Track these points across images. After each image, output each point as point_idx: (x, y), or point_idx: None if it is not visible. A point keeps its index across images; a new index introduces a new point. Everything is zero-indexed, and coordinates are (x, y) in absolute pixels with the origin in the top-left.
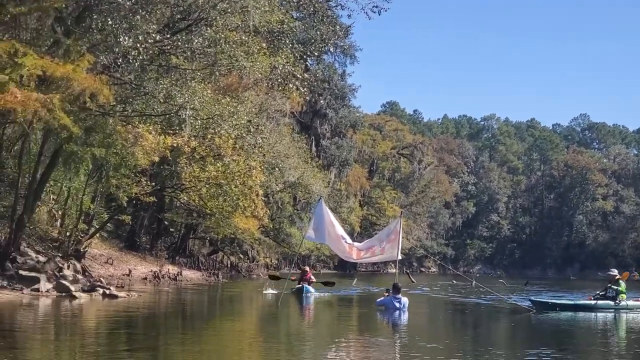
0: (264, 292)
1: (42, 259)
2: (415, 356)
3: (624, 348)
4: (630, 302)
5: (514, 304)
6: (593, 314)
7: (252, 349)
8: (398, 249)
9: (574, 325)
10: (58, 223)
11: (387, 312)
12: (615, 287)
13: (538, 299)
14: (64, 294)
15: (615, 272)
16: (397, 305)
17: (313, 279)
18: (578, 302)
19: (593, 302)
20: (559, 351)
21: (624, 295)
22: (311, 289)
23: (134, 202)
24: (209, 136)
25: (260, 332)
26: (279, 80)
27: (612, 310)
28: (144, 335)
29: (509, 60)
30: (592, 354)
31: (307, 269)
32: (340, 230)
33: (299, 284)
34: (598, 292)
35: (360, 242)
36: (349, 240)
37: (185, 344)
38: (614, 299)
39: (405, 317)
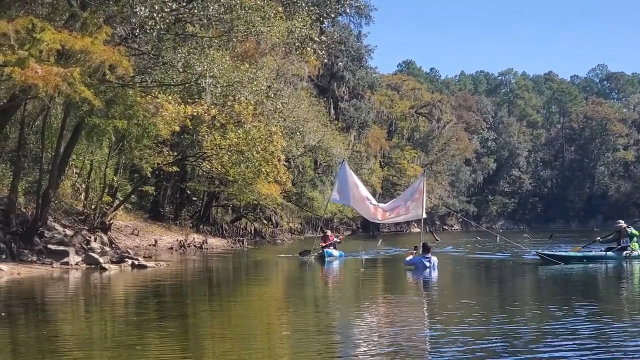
0: (302, 258)
1: (69, 232)
2: (450, 313)
3: None
4: None
5: (544, 256)
6: (604, 264)
7: (280, 313)
8: (423, 207)
9: (593, 275)
10: (82, 196)
11: (417, 271)
12: (628, 238)
13: (545, 252)
14: (93, 266)
15: (622, 222)
16: (427, 264)
17: (336, 239)
18: (587, 254)
19: (603, 252)
20: (594, 301)
21: (636, 244)
22: (334, 252)
23: (157, 172)
24: (229, 103)
25: (288, 297)
26: (297, 44)
27: (625, 260)
28: (174, 303)
29: (525, 13)
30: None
31: (329, 232)
32: (364, 191)
33: (321, 248)
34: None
35: (383, 203)
36: (373, 201)
37: (215, 310)
38: (624, 249)
39: (435, 275)
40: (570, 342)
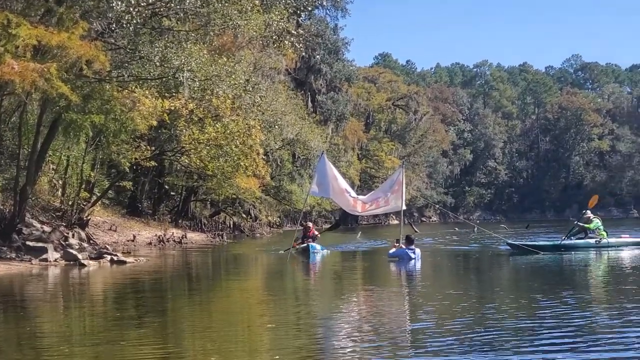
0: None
1: (47, 229)
2: (434, 304)
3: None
4: (612, 240)
5: (515, 245)
6: (575, 253)
7: (260, 307)
8: (402, 199)
9: (562, 265)
10: (59, 192)
11: (402, 263)
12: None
13: (516, 243)
14: (71, 262)
15: (589, 213)
16: (413, 255)
17: (317, 233)
18: (556, 243)
19: (573, 241)
20: (570, 288)
21: (604, 233)
22: (317, 246)
23: (134, 167)
24: (207, 97)
25: (268, 290)
26: (274, 38)
27: (594, 249)
28: (155, 299)
29: (499, 5)
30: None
31: (310, 225)
32: (343, 183)
33: (302, 242)
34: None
35: (362, 195)
36: (353, 193)
37: (195, 304)
38: (587, 236)
39: (419, 266)
40: (555, 331)
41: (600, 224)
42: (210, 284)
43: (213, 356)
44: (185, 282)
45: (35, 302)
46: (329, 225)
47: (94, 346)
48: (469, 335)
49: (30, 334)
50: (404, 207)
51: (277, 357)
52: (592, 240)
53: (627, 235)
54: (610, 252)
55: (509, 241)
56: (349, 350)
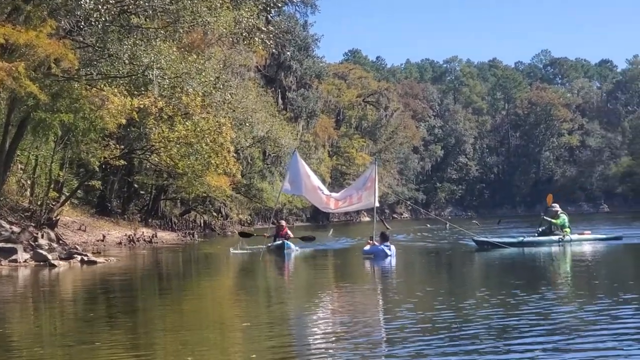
0: (233, 251)
1: (16, 229)
2: (409, 300)
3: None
4: (574, 236)
5: (496, 244)
6: (538, 249)
7: (234, 306)
8: (375, 196)
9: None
10: (28, 192)
11: (377, 260)
12: (553, 220)
13: (481, 239)
14: (42, 263)
15: (557, 207)
16: (389, 252)
17: (290, 234)
18: (522, 239)
19: (536, 238)
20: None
21: (568, 229)
22: (291, 244)
23: (103, 166)
24: (176, 95)
25: (241, 289)
26: (244, 35)
27: (557, 244)
28: (127, 299)
29: (468, 0)
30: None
31: (283, 223)
32: (316, 181)
33: (275, 240)
34: (538, 229)
35: (335, 193)
36: (326, 191)
37: (167, 304)
38: (552, 232)
39: (394, 263)
40: (533, 327)
41: (566, 220)
42: (182, 284)
43: (187, 357)
44: (157, 281)
45: (6, 303)
46: (305, 236)
47: (65, 347)
48: (444, 332)
49: (1, 335)
50: (377, 204)
51: (253, 356)
52: (556, 237)
53: (589, 232)
54: (573, 246)
55: (475, 238)
56: (324, 347)
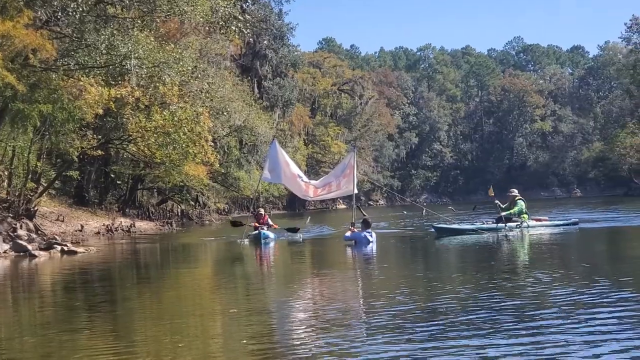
0: (242, 240)
1: None
2: (391, 287)
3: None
4: (532, 222)
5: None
6: (497, 234)
7: (214, 294)
8: (354, 183)
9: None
10: (5, 183)
11: (359, 246)
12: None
13: (441, 225)
14: (21, 253)
15: (515, 192)
16: (371, 238)
17: (271, 222)
18: (482, 226)
19: (494, 225)
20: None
21: (525, 216)
22: (270, 234)
23: (80, 157)
24: (153, 85)
25: (223, 277)
26: (221, 23)
27: (514, 231)
28: (108, 289)
29: None
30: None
31: (262, 211)
32: (295, 169)
33: (255, 229)
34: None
35: (315, 180)
36: (305, 178)
37: (149, 294)
38: (509, 219)
39: (375, 249)
40: (510, 309)
41: (524, 206)
42: (163, 273)
43: (169, 345)
44: (137, 271)
45: None
46: (289, 227)
47: (48, 336)
48: (425, 317)
49: None
50: (356, 191)
51: (243, 341)
52: (513, 224)
53: (546, 218)
54: (530, 232)
55: (435, 225)
56: (308, 334)
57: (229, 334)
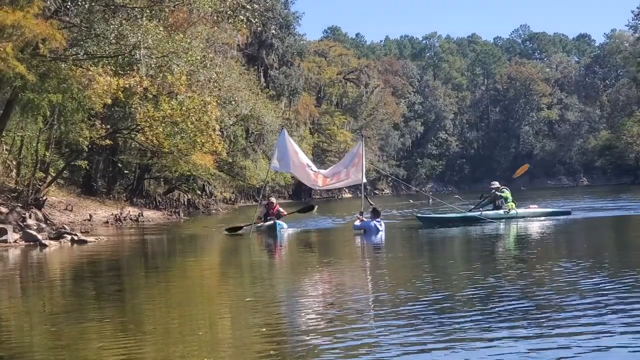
0: (256, 227)
1: (4, 210)
2: (401, 277)
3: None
4: (521, 210)
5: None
6: (483, 225)
7: (229, 283)
8: (362, 172)
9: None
10: (14, 173)
11: (369, 235)
12: (503, 199)
13: (425, 215)
14: (32, 243)
15: (496, 184)
16: (380, 227)
17: (282, 211)
18: (467, 214)
19: (478, 212)
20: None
21: (512, 204)
22: (284, 224)
23: (89, 146)
24: (162, 75)
25: (236, 267)
26: (229, 13)
27: (503, 220)
28: (122, 277)
29: None
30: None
31: (274, 200)
32: (304, 158)
33: (265, 219)
34: (479, 202)
35: (323, 170)
36: (314, 167)
37: (164, 281)
38: (500, 207)
39: (384, 238)
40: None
41: (509, 195)
42: (176, 262)
43: (198, 332)
44: (149, 260)
45: (2, 282)
46: (301, 207)
47: (61, 325)
48: (434, 308)
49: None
50: (365, 180)
51: (263, 329)
52: (502, 211)
53: (535, 206)
54: (519, 222)
55: (418, 214)
56: (320, 322)
57: (244, 320)
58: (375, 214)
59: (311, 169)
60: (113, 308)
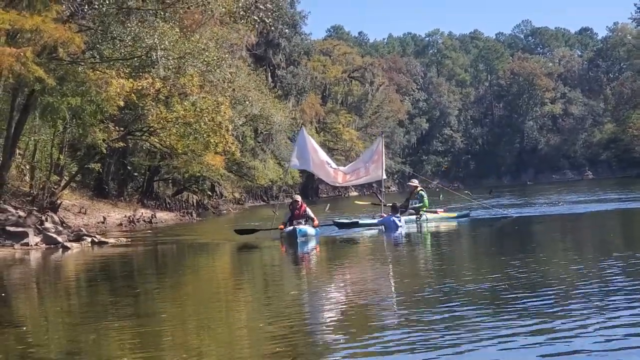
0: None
1: (22, 214)
2: (419, 275)
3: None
4: (430, 215)
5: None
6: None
7: (251, 285)
8: (382, 168)
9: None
10: (28, 177)
11: (389, 231)
12: (417, 200)
13: (342, 221)
14: (52, 245)
15: (415, 182)
16: (399, 223)
17: (310, 212)
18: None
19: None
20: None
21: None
22: (309, 229)
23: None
24: (176, 76)
25: (259, 268)
26: (241, 13)
27: (415, 224)
28: (151, 277)
29: None
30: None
31: (299, 198)
32: (323, 155)
33: (288, 223)
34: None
35: (342, 167)
36: (333, 165)
37: (192, 282)
38: (417, 211)
39: (404, 234)
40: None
41: (425, 197)
42: (200, 262)
43: (218, 331)
44: (175, 259)
45: (31, 284)
46: (340, 222)
47: (73, 326)
48: (452, 308)
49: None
50: (384, 177)
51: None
52: (414, 217)
53: (442, 210)
54: (429, 225)
55: (336, 220)
56: (334, 321)
57: (263, 328)
58: (394, 209)
59: (331, 167)
60: (157, 303)
